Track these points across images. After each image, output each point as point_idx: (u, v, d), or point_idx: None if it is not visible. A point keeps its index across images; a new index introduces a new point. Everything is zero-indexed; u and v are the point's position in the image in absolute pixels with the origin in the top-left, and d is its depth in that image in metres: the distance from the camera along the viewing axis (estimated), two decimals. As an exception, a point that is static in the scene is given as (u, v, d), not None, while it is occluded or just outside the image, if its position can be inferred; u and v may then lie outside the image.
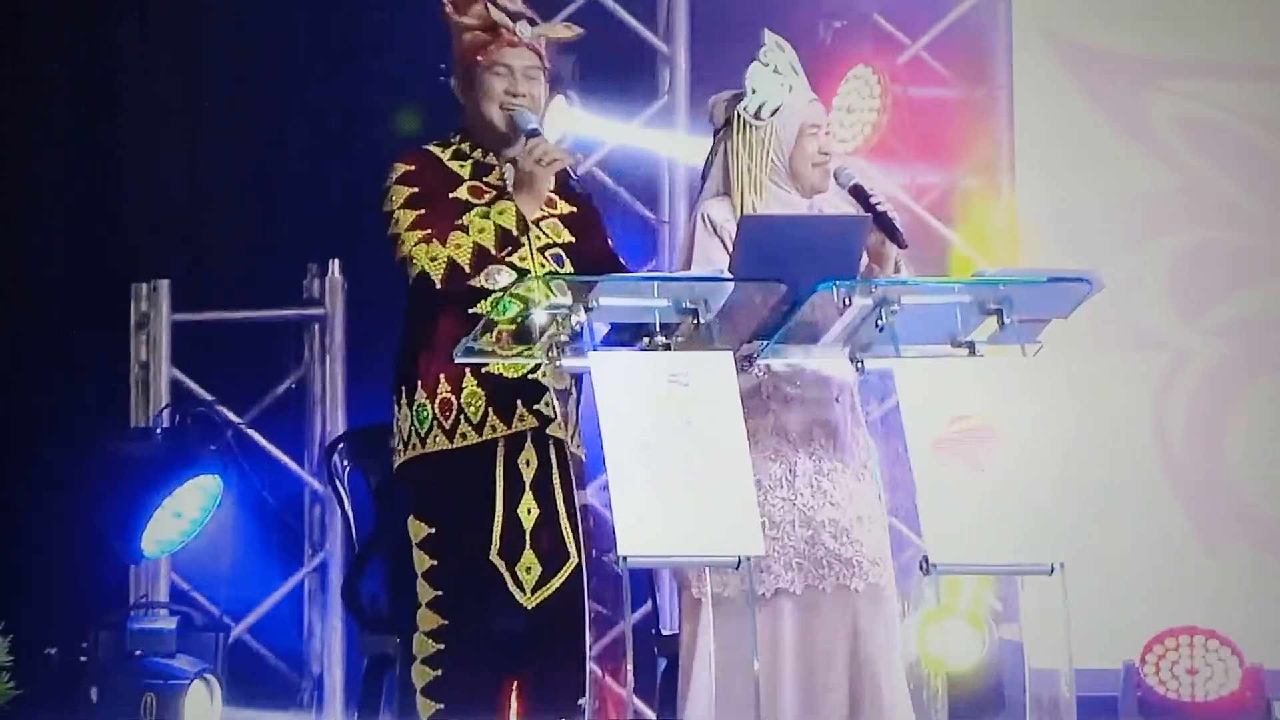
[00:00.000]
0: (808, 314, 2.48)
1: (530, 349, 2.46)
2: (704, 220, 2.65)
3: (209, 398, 3.71)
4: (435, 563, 2.58)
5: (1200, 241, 3.86)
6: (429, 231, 2.58)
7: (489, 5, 2.61)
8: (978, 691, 3.45)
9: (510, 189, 2.62)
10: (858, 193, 2.65)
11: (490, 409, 2.57)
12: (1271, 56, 3.85)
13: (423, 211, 2.59)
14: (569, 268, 2.63)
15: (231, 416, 3.71)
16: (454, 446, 2.57)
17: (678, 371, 2.42)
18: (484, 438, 2.57)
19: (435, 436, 2.58)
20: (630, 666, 2.43)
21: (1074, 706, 2.56)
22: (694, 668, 2.52)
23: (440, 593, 2.56)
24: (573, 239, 2.65)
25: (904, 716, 2.58)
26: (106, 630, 3.39)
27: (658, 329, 2.46)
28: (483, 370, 2.56)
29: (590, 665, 2.55)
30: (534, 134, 2.59)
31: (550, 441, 2.59)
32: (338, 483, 2.84)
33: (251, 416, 3.76)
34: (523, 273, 2.60)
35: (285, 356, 3.85)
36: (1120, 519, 3.76)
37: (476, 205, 2.61)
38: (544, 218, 2.64)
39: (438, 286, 2.57)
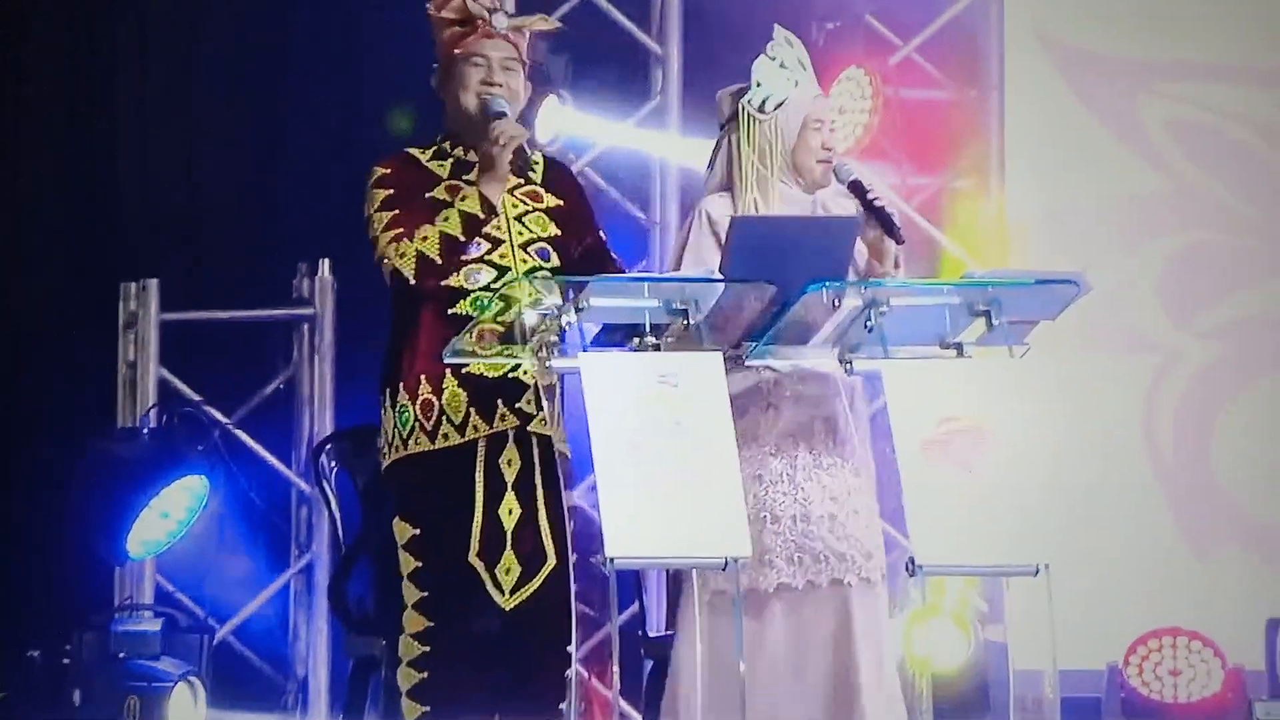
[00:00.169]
0: (797, 315, 2.49)
1: (519, 349, 2.46)
2: (701, 216, 2.66)
3: (197, 398, 3.70)
4: (420, 564, 2.57)
5: (1191, 244, 3.87)
6: (400, 230, 2.57)
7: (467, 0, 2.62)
8: (963, 692, 3.46)
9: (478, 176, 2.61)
10: (856, 188, 2.65)
11: (472, 409, 2.56)
12: (1263, 60, 3.86)
13: (397, 212, 2.59)
14: (555, 262, 2.64)
15: (219, 417, 3.70)
16: (436, 448, 2.57)
17: (667, 372, 2.42)
18: (466, 438, 2.57)
19: (417, 438, 2.58)
20: (616, 668, 2.43)
21: (1058, 707, 2.57)
22: (692, 666, 2.51)
23: (425, 594, 2.56)
24: (559, 232, 2.64)
25: (895, 710, 2.56)
26: (90, 632, 3.37)
27: (648, 330, 2.45)
28: (463, 370, 2.56)
29: (576, 667, 2.54)
30: (498, 116, 2.58)
31: (534, 440, 2.58)
32: (325, 484, 2.84)
33: (239, 417, 3.74)
34: (503, 270, 2.59)
35: (274, 356, 3.84)
36: (1106, 520, 3.77)
37: (454, 204, 2.60)
38: (528, 212, 2.64)
39: (412, 283, 2.56)
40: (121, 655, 3.33)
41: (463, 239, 2.56)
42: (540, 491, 2.57)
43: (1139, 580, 3.77)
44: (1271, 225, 3.88)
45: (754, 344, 2.52)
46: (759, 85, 2.69)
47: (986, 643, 3.54)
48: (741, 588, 2.54)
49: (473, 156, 2.64)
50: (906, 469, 2.48)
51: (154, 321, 3.73)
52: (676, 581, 2.62)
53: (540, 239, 2.63)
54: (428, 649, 2.54)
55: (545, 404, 2.55)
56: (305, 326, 3.82)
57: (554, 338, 2.44)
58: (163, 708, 3.26)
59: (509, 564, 2.55)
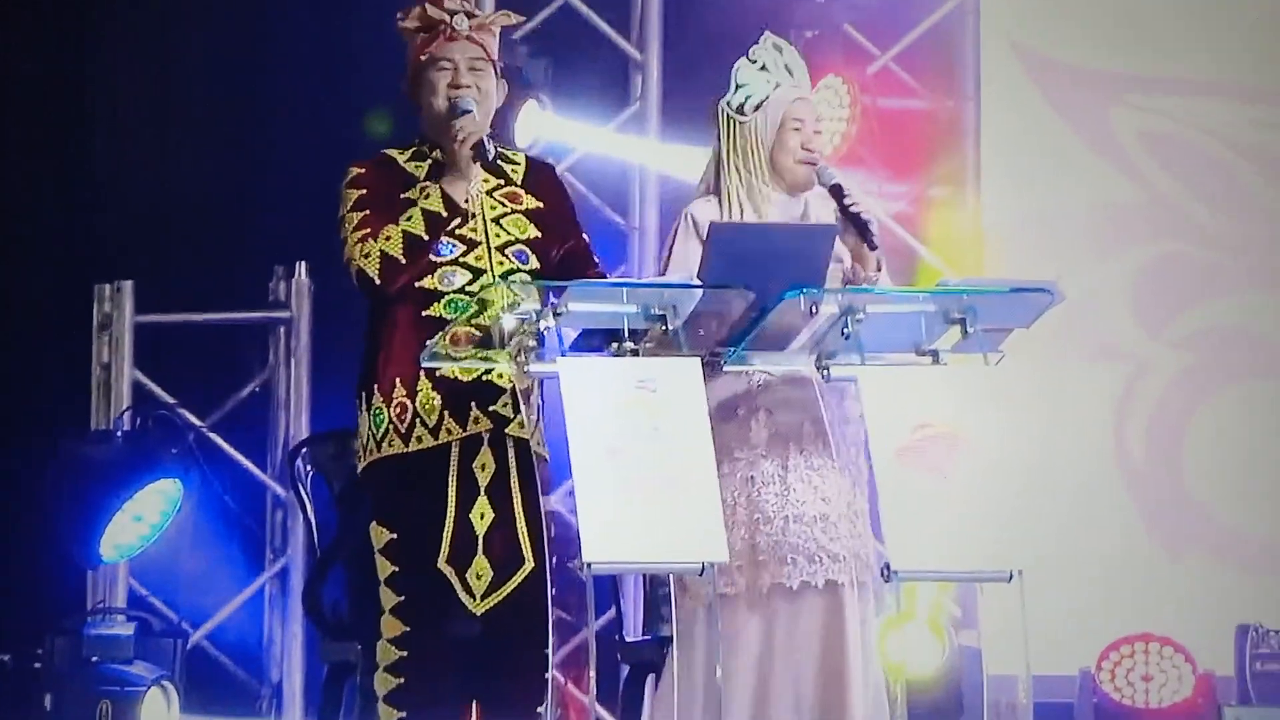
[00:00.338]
0: (775, 321, 2.50)
1: (497, 353, 2.46)
2: (686, 220, 2.67)
3: (171, 400, 3.68)
4: (396, 569, 2.56)
5: (1163, 254, 3.92)
6: (367, 231, 2.57)
7: (426, 4, 2.62)
8: (937, 697, 3.48)
9: (472, 199, 2.61)
10: (835, 191, 2.67)
11: (445, 412, 2.55)
12: (1236, 75, 3.90)
13: (367, 213, 2.58)
14: (534, 265, 2.63)
15: (194, 420, 3.69)
16: (409, 450, 2.56)
17: (645, 378, 2.43)
18: (440, 441, 2.56)
19: (391, 440, 2.57)
20: (593, 673, 2.43)
21: (1031, 712, 2.59)
22: (692, 667, 2.51)
23: (402, 599, 2.55)
24: (539, 235, 2.63)
25: (881, 713, 2.59)
26: (62, 636, 3.35)
27: (626, 335, 2.45)
28: (437, 373, 2.55)
29: (553, 672, 2.53)
30: (461, 114, 2.57)
31: (510, 443, 2.58)
32: (300, 488, 2.83)
33: (214, 420, 3.74)
34: (478, 273, 2.59)
35: (250, 360, 3.83)
36: (1079, 527, 3.80)
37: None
38: (506, 213, 2.63)
39: (377, 283, 2.55)
40: (94, 659, 3.31)
41: (426, 238, 2.55)
42: (516, 495, 2.57)
43: (1111, 586, 3.81)
44: (1242, 236, 3.93)
45: (732, 350, 2.53)
46: (738, 87, 2.70)
47: (961, 648, 3.56)
48: (739, 589, 2.56)
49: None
50: (881, 475, 2.49)
51: (128, 323, 3.71)
52: (680, 584, 2.61)
53: (518, 241, 2.63)
54: (405, 654, 2.53)
55: (523, 408, 2.54)
56: (281, 329, 3.81)
57: (532, 342, 2.44)
58: (136, 712, 3.24)
59: (480, 568, 2.54)
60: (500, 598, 2.54)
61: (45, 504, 3.46)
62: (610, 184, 3.85)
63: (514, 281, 2.53)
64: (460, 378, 2.55)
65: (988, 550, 2.49)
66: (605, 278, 2.72)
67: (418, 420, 2.56)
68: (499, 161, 2.63)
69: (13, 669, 3.36)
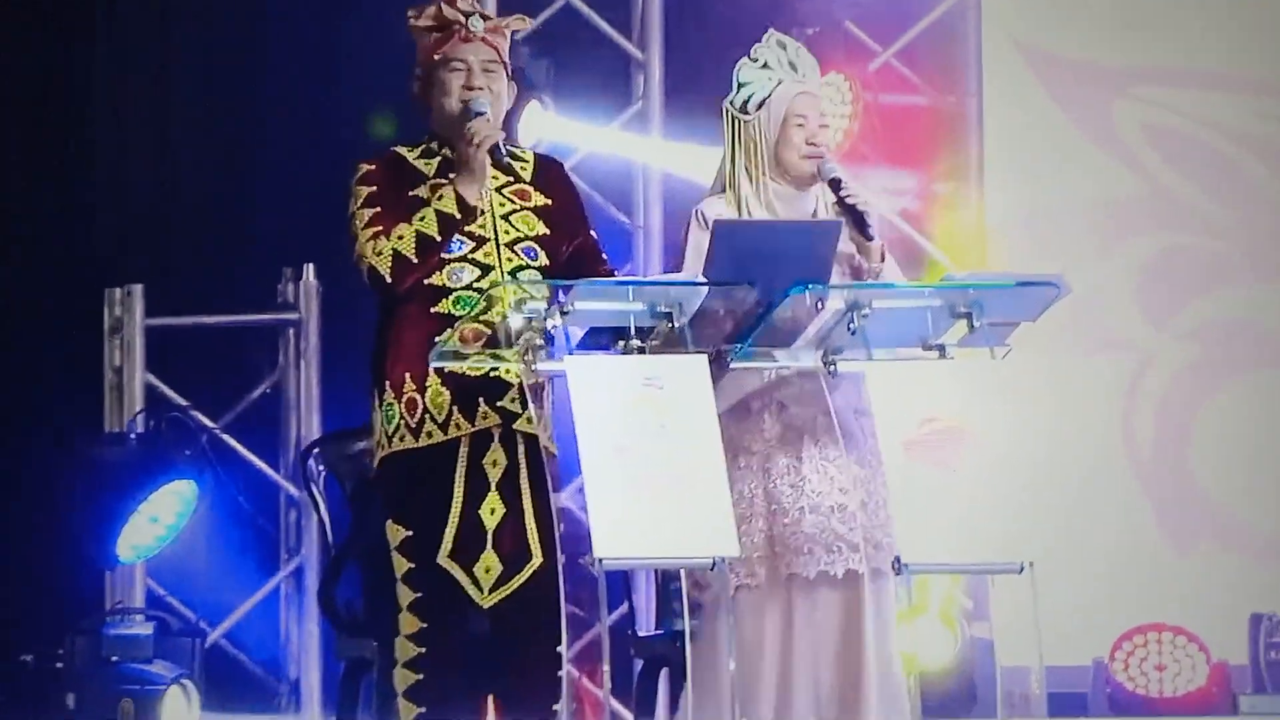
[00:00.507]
0: (781, 317, 2.51)
1: (505, 351, 2.47)
2: (698, 218, 2.68)
3: (184, 403, 3.70)
4: (412, 566, 2.57)
5: (1167, 247, 3.92)
6: (379, 229, 2.57)
7: (442, 4, 2.64)
8: (950, 689, 3.49)
9: (481, 196, 2.62)
10: (834, 185, 2.68)
11: (455, 407, 2.55)
12: (1238, 66, 3.90)
13: (378, 210, 2.59)
14: (543, 261, 2.63)
15: (206, 421, 3.71)
16: (420, 445, 2.57)
17: (652, 375, 2.44)
18: (449, 436, 2.55)
19: (402, 435, 2.58)
20: (607, 668, 2.44)
21: (1045, 703, 2.61)
22: (715, 660, 2.52)
23: (419, 595, 2.56)
24: (547, 231, 2.64)
25: (899, 702, 2.59)
26: (83, 636, 3.37)
27: (633, 332, 2.47)
28: (446, 369, 2.56)
29: (567, 667, 2.55)
30: (476, 116, 2.58)
31: (520, 438, 2.59)
32: (313, 487, 2.83)
33: (226, 421, 3.75)
34: (487, 269, 2.60)
35: (260, 361, 3.85)
36: (1089, 518, 3.81)
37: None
38: (515, 210, 2.64)
39: (388, 281, 2.56)
40: (114, 659, 3.33)
41: (439, 239, 2.57)
42: (526, 490, 2.58)
43: (1123, 577, 3.80)
44: (1245, 228, 3.93)
45: (738, 346, 2.55)
46: (741, 86, 2.71)
47: (973, 640, 3.57)
48: (760, 580, 2.57)
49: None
50: (890, 469, 2.52)
51: (139, 327, 3.73)
52: (698, 579, 2.61)
53: (527, 238, 2.64)
54: (423, 650, 2.55)
55: (531, 405, 2.56)
56: (291, 331, 3.82)
57: (540, 340, 2.45)
58: (156, 710, 3.27)
59: (489, 563, 2.55)
60: (508, 592, 2.55)
61: (62, 507, 3.49)
62: (614, 183, 3.85)
63: (520, 279, 2.55)
64: (469, 373, 2.56)
65: (998, 542, 2.51)
66: (614, 275, 2.73)
67: (428, 416, 2.57)
68: (508, 159, 2.65)
69: (35, 669, 3.38)
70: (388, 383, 2.60)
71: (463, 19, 2.62)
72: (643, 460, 2.39)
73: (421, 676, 2.56)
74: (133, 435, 3.62)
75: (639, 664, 2.75)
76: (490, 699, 2.57)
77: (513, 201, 2.64)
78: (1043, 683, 2.55)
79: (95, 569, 3.57)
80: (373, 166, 2.63)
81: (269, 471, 3.78)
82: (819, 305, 2.50)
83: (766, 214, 2.69)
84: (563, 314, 2.44)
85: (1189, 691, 3.67)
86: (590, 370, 2.43)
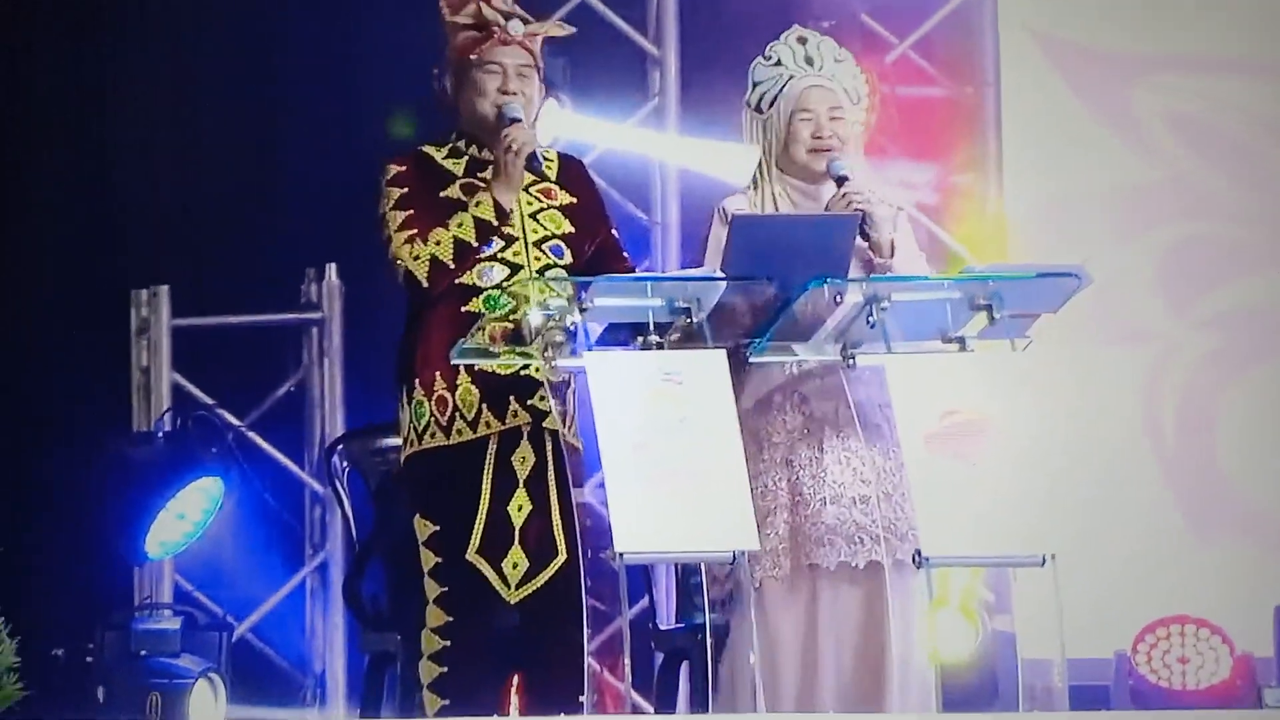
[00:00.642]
0: (800, 311, 2.52)
1: (525, 349, 2.49)
2: (720, 214, 2.69)
3: (210, 401, 3.73)
4: (440, 560, 2.60)
5: (1188, 235, 3.89)
6: (414, 231, 2.60)
7: (481, 4, 2.64)
8: (971, 682, 3.48)
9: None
10: (839, 183, 2.68)
11: (485, 405, 2.59)
12: (1258, 52, 3.86)
13: (411, 212, 2.62)
14: (569, 259, 2.65)
15: (232, 420, 3.75)
16: (451, 443, 2.60)
17: (671, 370, 2.46)
18: (479, 434, 2.60)
19: (432, 433, 2.61)
20: (628, 661, 2.46)
21: (1067, 696, 2.61)
22: (744, 652, 2.54)
23: (445, 590, 2.59)
24: (573, 229, 2.66)
25: (926, 695, 2.59)
26: (112, 631, 3.41)
27: (652, 328, 2.48)
28: (476, 367, 2.59)
29: (589, 660, 2.57)
30: (514, 122, 2.61)
31: (548, 436, 2.61)
32: (337, 483, 2.87)
33: (252, 419, 3.79)
34: (516, 268, 2.62)
35: (284, 360, 3.88)
36: (1111, 510, 3.78)
37: (468, 203, 2.63)
38: (542, 209, 2.67)
39: (424, 286, 2.59)
40: (143, 653, 3.36)
41: (475, 245, 2.60)
42: (553, 487, 2.61)
43: (1145, 569, 3.78)
44: (1268, 215, 3.89)
45: (757, 341, 2.55)
46: (755, 85, 2.72)
47: (995, 633, 3.56)
48: (784, 571, 2.58)
49: (488, 155, 2.66)
50: (911, 462, 2.51)
51: (165, 327, 3.77)
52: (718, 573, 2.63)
53: (554, 236, 2.67)
54: (448, 643, 2.58)
55: (552, 401, 2.57)
56: (314, 330, 3.85)
57: (559, 337, 2.47)
58: (184, 704, 3.30)
59: (516, 559, 2.59)
60: (535, 588, 2.58)
61: (92, 505, 3.52)
62: (631, 179, 3.85)
63: (545, 277, 2.57)
64: (499, 371, 2.60)
65: (1020, 535, 2.50)
66: (634, 271, 2.76)
67: (458, 413, 2.60)
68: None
69: (65, 663, 3.43)
70: (417, 381, 2.63)
71: (502, 20, 2.63)
72: (662, 455, 2.41)
73: (446, 669, 2.59)
74: (160, 434, 3.66)
75: (659, 657, 2.77)
76: (514, 687, 2.59)
77: (540, 200, 2.67)
78: (1064, 676, 2.55)
79: (124, 565, 3.61)
80: (403, 168, 2.65)
81: (294, 468, 3.82)
82: (837, 299, 2.50)
83: (789, 210, 2.69)
84: (582, 310, 2.45)
85: (1212, 684, 3.63)
86: (609, 366, 2.45)
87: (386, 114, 3.73)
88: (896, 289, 2.54)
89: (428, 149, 2.69)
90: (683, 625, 2.76)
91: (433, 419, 2.61)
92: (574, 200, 2.68)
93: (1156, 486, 3.85)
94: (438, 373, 2.61)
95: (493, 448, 2.59)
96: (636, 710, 2.92)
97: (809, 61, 2.71)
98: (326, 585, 3.78)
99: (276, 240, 3.92)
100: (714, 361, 2.47)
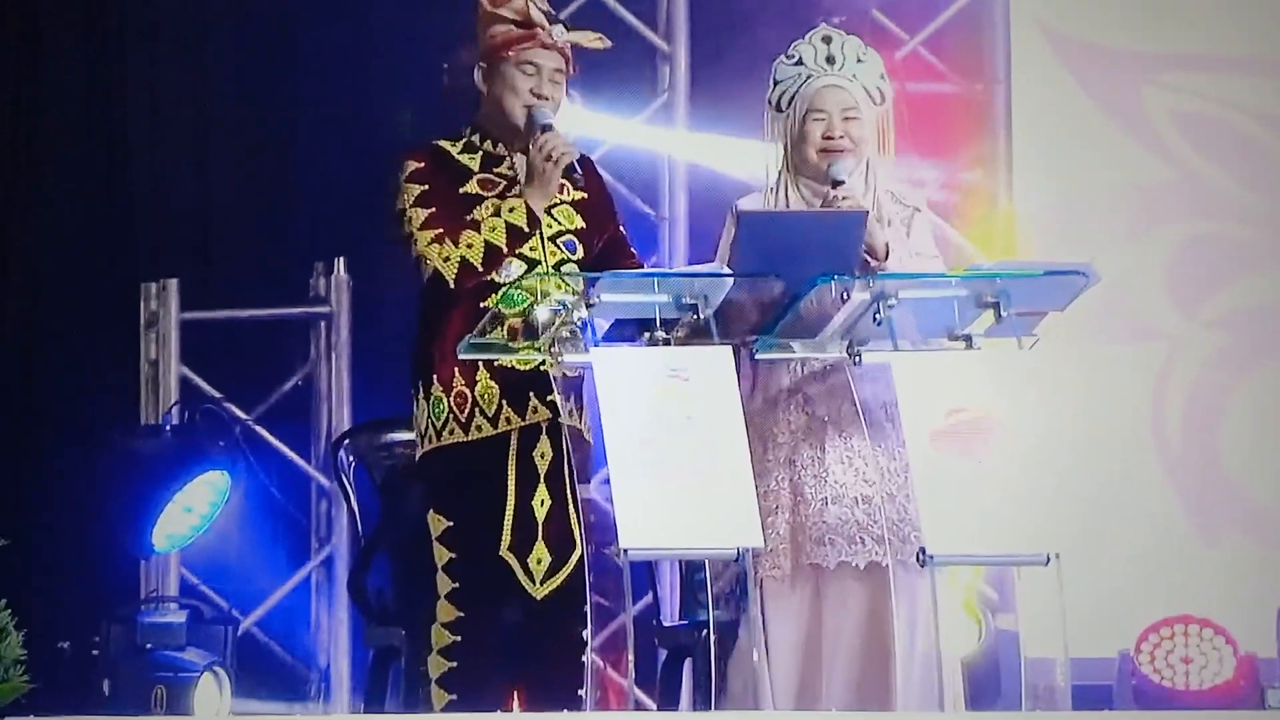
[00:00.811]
0: (806, 308, 2.52)
1: (533, 345, 2.49)
2: (732, 213, 2.68)
3: (217, 395, 3.74)
4: (454, 556, 2.60)
5: (1197, 234, 3.88)
6: (440, 230, 2.60)
7: (530, 2, 2.63)
8: (974, 680, 3.48)
9: (521, 183, 2.64)
10: (835, 185, 2.66)
11: (504, 401, 2.58)
12: (1268, 51, 3.85)
13: (434, 210, 2.61)
14: (581, 254, 2.65)
15: (239, 413, 3.75)
16: (470, 439, 2.60)
17: (678, 366, 2.46)
18: (499, 430, 2.59)
19: (451, 429, 2.61)
20: (632, 657, 2.46)
21: (1070, 695, 2.60)
22: (756, 645, 2.54)
23: (458, 585, 2.59)
24: (584, 225, 2.67)
25: (928, 691, 2.60)
26: (118, 624, 3.42)
27: (658, 324, 2.48)
28: (496, 363, 2.59)
29: (593, 656, 2.59)
30: (547, 129, 2.60)
31: (565, 431, 2.62)
32: (343, 478, 2.87)
33: (259, 413, 3.80)
34: (533, 263, 2.62)
35: (292, 354, 3.89)
36: (1116, 509, 3.78)
37: (486, 198, 2.63)
38: (556, 204, 2.66)
39: (451, 286, 2.59)
40: (148, 646, 3.38)
41: (505, 250, 2.60)
42: (569, 482, 2.61)
43: (1149, 568, 3.77)
44: (1277, 215, 3.87)
45: (763, 338, 2.55)
46: (776, 83, 2.71)
47: (998, 631, 3.56)
48: (784, 571, 2.58)
49: (503, 150, 2.66)
50: (916, 459, 2.50)
51: (174, 321, 3.78)
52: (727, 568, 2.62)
53: (568, 231, 2.67)
54: (459, 638, 2.58)
55: (559, 395, 2.58)
56: (322, 324, 3.86)
57: (566, 333, 2.47)
58: (189, 697, 3.31)
59: (540, 554, 2.59)
60: (558, 583, 2.58)
61: (99, 497, 3.54)
62: (640, 175, 3.85)
63: (558, 268, 2.56)
64: (518, 367, 2.59)
65: (1024, 533, 2.49)
66: (642, 266, 2.76)
67: (477, 409, 2.60)
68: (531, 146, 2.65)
69: (71, 656, 3.44)
70: (435, 377, 2.62)
71: (547, 23, 2.61)
72: (668, 451, 2.41)
73: (455, 664, 2.60)
74: (168, 427, 3.66)
75: (663, 654, 2.78)
76: (518, 687, 2.60)
77: (554, 195, 2.66)
78: (1068, 675, 2.55)
79: (130, 558, 3.61)
80: (421, 163, 2.64)
81: (300, 462, 3.82)
82: (844, 296, 2.50)
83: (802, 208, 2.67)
84: (589, 306, 2.45)
85: (1215, 684, 3.63)
86: (616, 361, 2.45)
87: (395, 110, 3.73)
88: (904, 286, 2.54)
89: (442, 143, 2.68)
90: (686, 622, 2.76)
91: (451, 415, 2.59)
92: (584, 195, 2.68)
93: (1161, 486, 3.84)
94: (456, 368, 2.60)
95: (514, 444, 2.59)
96: (639, 707, 2.92)
97: (830, 61, 2.69)
98: (332, 580, 3.79)
99: (285, 235, 3.93)
100: (720, 358, 2.47)
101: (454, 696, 2.60)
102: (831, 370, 2.66)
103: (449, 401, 2.60)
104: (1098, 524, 3.72)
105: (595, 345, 2.48)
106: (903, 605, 2.61)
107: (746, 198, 2.74)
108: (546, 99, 2.63)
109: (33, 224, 3.90)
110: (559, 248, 2.65)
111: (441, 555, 2.61)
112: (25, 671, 2.83)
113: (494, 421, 2.59)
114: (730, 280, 2.51)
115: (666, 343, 2.49)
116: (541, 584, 2.58)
